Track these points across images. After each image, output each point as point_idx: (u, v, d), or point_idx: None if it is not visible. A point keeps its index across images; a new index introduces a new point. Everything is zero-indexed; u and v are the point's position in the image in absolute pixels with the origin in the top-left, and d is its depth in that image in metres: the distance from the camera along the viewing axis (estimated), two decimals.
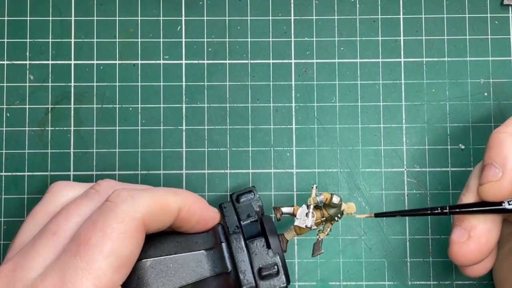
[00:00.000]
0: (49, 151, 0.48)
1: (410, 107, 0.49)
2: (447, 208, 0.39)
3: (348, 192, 0.48)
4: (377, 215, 0.41)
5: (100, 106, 0.49)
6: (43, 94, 0.49)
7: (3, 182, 0.48)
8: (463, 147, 0.48)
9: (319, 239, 0.41)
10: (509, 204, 0.38)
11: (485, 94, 0.49)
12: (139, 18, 0.49)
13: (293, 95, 0.49)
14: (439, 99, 0.49)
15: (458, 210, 0.39)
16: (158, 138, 0.48)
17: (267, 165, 0.48)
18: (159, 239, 0.39)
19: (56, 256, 0.35)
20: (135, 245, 0.35)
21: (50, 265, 0.34)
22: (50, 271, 0.34)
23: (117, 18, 0.49)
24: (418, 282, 0.48)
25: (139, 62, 0.49)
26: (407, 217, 0.48)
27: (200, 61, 0.49)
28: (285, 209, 0.41)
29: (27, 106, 0.49)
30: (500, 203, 0.38)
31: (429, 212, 0.40)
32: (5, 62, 0.49)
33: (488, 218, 0.39)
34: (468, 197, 0.40)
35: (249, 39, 0.49)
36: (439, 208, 0.39)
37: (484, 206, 0.39)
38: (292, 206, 0.40)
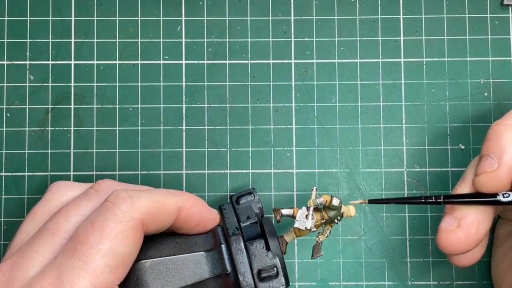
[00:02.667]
0: (49, 151, 0.48)
1: (410, 107, 0.49)
2: (442, 197, 0.39)
3: (348, 192, 0.48)
4: (371, 201, 0.40)
5: (100, 106, 0.49)
6: (43, 94, 0.49)
7: (3, 182, 0.48)
8: (463, 147, 0.48)
9: (319, 241, 0.41)
10: (503, 197, 0.38)
11: (485, 94, 0.49)
12: (139, 18, 0.49)
13: (293, 95, 0.49)
14: (439, 99, 0.49)
15: (452, 200, 0.39)
16: (158, 138, 0.48)
17: (267, 165, 0.48)
18: (159, 240, 0.39)
19: (55, 255, 0.35)
20: (133, 245, 0.35)
21: (48, 264, 0.35)
22: (47, 270, 0.34)
23: (117, 18, 0.49)
24: (418, 282, 0.48)
25: (139, 62, 0.49)
26: (407, 217, 0.48)
27: (200, 61, 0.49)
28: (284, 211, 0.40)
29: (27, 106, 0.49)
30: (495, 195, 0.38)
31: (423, 200, 0.39)
32: (5, 62, 0.49)
33: (480, 209, 0.39)
34: (463, 187, 0.39)
35: (249, 39, 0.49)
36: (433, 198, 0.39)
37: (478, 197, 0.39)
38: (292, 208, 0.40)
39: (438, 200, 0.39)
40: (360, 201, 0.41)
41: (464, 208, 0.39)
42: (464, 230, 0.38)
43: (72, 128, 0.48)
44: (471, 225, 0.39)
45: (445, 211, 0.40)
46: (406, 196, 0.48)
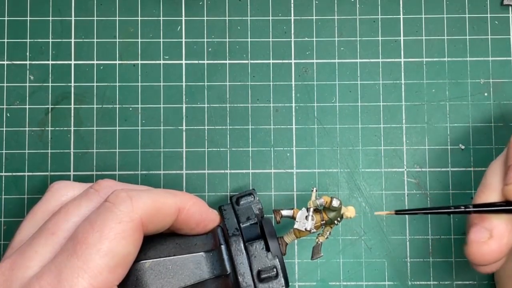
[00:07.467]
0: (49, 151, 0.48)
1: (410, 107, 0.49)
2: (471, 206, 0.38)
3: (348, 192, 0.48)
4: (397, 212, 0.39)
5: (100, 106, 0.49)
6: (43, 94, 0.49)
7: (3, 182, 0.48)
8: (463, 147, 0.48)
9: (319, 242, 0.41)
10: None
11: (485, 94, 0.49)
12: (139, 18, 0.49)
13: (293, 95, 0.49)
14: (439, 99, 0.49)
15: (483, 209, 0.38)
16: (158, 138, 0.48)
17: (267, 165, 0.48)
18: (159, 241, 0.39)
19: (54, 255, 0.35)
20: (133, 245, 0.35)
21: (47, 264, 0.34)
22: (46, 270, 0.34)
23: (117, 18, 0.49)
24: (418, 282, 0.48)
25: (139, 62, 0.49)
26: (407, 217, 0.48)
27: (200, 61, 0.49)
28: (284, 212, 0.41)
29: (27, 106, 0.49)
30: None
31: (452, 209, 0.38)
32: (5, 62, 0.49)
33: (510, 218, 0.38)
34: (490, 196, 0.39)
35: (249, 39, 0.49)
36: (462, 206, 0.38)
37: (510, 206, 0.38)
38: (292, 209, 0.40)
39: (467, 209, 0.38)
40: (387, 212, 0.40)
41: (494, 218, 0.38)
42: (497, 241, 0.38)
43: (72, 128, 0.48)
44: (503, 235, 0.38)
45: (472, 222, 0.39)
46: (406, 195, 0.48)
